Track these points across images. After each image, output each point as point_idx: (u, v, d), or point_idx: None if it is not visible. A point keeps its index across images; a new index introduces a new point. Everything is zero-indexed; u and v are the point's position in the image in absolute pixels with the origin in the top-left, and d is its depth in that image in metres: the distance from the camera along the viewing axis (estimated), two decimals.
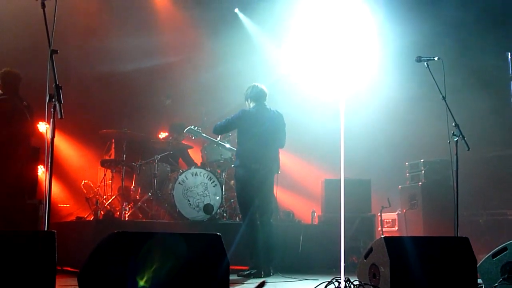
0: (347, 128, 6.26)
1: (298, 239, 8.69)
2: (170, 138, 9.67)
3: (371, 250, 5.09)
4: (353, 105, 7.71)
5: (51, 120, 4.43)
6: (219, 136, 8.88)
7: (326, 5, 7.81)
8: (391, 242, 4.91)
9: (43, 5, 4.71)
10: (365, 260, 5.15)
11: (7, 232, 3.92)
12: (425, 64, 6.36)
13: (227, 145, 8.94)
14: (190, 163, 9.68)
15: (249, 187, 7.32)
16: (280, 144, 7.61)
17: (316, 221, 9.48)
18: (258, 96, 7.51)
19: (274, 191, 9.62)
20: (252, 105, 7.54)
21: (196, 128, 8.59)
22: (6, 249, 3.71)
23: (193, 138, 8.74)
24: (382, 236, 5.05)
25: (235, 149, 8.03)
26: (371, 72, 9.78)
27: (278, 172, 7.61)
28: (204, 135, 8.69)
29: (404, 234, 9.86)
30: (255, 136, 7.32)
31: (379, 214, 9.55)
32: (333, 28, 7.04)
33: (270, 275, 7.25)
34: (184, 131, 8.69)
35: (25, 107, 7.31)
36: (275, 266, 7.43)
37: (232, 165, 8.35)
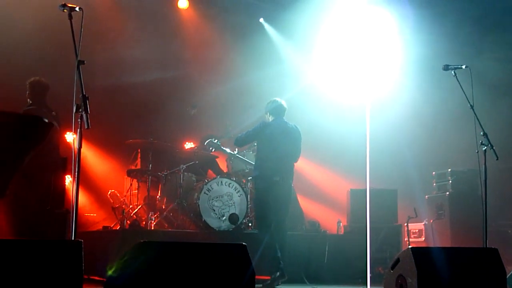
0: (373, 138, 6.23)
1: (324, 249, 8.65)
2: (196, 148, 9.68)
3: (398, 260, 5.04)
4: (379, 115, 7.65)
5: (78, 130, 4.48)
6: (236, 149, 9.05)
7: (351, 13, 7.79)
8: (419, 253, 4.85)
9: (70, 16, 4.76)
10: (392, 271, 5.10)
11: (35, 241, 3.96)
12: (453, 72, 6.30)
13: (247, 158, 9.04)
14: (221, 174, 9.62)
15: (269, 198, 7.43)
16: (295, 159, 7.75)
17: (342, 231, 9.42)
18: (278, 110, 7.70)
19: (300, 201, 9.65)
20: (271, 118, 7.72)
21: (216, 141, 8.73)
22: (34, 258, 3.74)
23: (212, 150, 8.88)
24: (410, 246, 4.99)
25: (252, 162, 8.11)
26: (397, 82, 9.71)
27: (292, 185, 7.77)
28: (223, 148, 8.82)
29: (431, 245, 9.74)
30: (274, 149, 7.48)
31: (405, 224, 9.44)
32: (358, 36, 7.00)
33: (279, 284, 7.28)
34: (205, 143, 8.84)
35: (53, 117, 7.35)
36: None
37: (250, 178, 8.40)
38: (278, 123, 7.64)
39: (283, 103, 7.74)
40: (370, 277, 5.84)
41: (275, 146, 7.47)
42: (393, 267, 5.09)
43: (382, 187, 9.36)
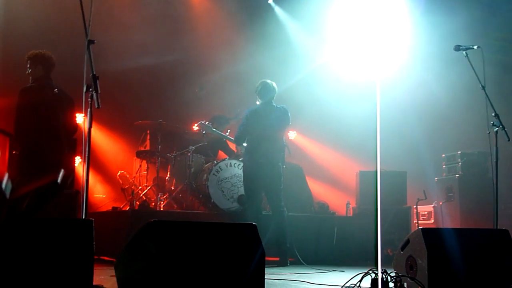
0: (383, 120, 6.18)
1: (333, 231, 8.66)
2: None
3: (408, 241, 5.03)
4: (389, 96, 7.61)
5: (88, 109, 4.47)
6: (228, 130, 9.22)
7: None
8: (429, 233, 4.84)
9: None
10: (401, 252, 5.09)
11: (46, 219, 3.97)
12: (464, 53, 6.24)
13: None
14: (231, 154, 9.60)
15: (257, 180, 7.62)
16: (282, 139, 7.90)
17: (350, 213, 9.41)
18: (266, 93, 7.76)
19: (308, 182, 9.65)
20: (259, 101, 7.81)
21: (207, 123, 8.90)
22: (46, 237, 3.76)
23: (203, 132, 8.93)
24: (420, 227, 4.98)
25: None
26: (408, 62, 9.64)
27: (284, 166, 7.85)
28: (214, 130, 8.96)
29: (440, 227, 9.73)
30: (261, 133, 7.62)
31: (414, 206, 9.42)
32: (368, 16, 6.92)
33: (287, 265, 7.40)
34: (195, 125, 9.04)
35: (54, 96, 6.53)
36: (306, 257, 7.66)
37: (240, 159, 8.45)
38: (264, 106, 7.72)
39: (274, 85, 7.79)
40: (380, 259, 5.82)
41: (262, 130, 7.61)
42: (403, 248, 5.09)
43: (392, 169, 9.33)
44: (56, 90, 6.54)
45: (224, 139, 9.44)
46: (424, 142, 10.48)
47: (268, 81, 7.81)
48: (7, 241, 3.68)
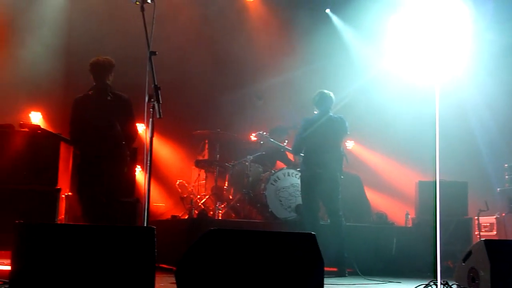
0: (443, 128, 6.09)
1: (391, 242, 8.55)
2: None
3: (470, 253, 4.94)
4: (450, 105, 7.49)
5: (150, 119, 4.56)
6: (286, 140, 9.30)
7: (422, 2, 7.61)
8: (492, 245, 4.74)
9: (142, 9, 4.85)
10: (463, 264, 5.00)
11: (109, 227, 4.07)
12: None
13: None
14: (289, 163, 9.56)
15: (314, 189, 7.66)
16: (339, 149, 7.90)
17: (410, 224, 9.28)
18: (323, 103, 7.85)
19: (367, 192, 9.57)
20: (316, 111, 7.88)
21: (264, 133, 9.03)
22: (109, 244, 3.85)
23: (261, 142, 8.99)
24: (482, 239, 4.88)
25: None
26: (471, 69, 9.46)
27: (342, 176, 7.85)
28: (272, 140, 9.07)
29: (503, 239, 9.48)
30: (318, 143, 7.68)
31: (476, 217, 9.21)
32: (432, 22, 6.83)
33: (345, 276, 7.36)
34: (253, 135, 9.20)
35: (109, 103, 6.55)
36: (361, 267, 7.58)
37: (298, 168, 8.43)
38: (321, 116, 7.78)
39: (331, 95, 7.86)
40: (440, 270, 5.73)
41: (319, 139, 7.67)
42: (465, 260, 5.00)
43: (452, 179, 9.15)
44: (109, 97, 6.56)
45: (282, 150, 9.48)
46: (486, 151, 10.26)
47: (325, 91, 7.90)
48: (71, 248, 3.78)
